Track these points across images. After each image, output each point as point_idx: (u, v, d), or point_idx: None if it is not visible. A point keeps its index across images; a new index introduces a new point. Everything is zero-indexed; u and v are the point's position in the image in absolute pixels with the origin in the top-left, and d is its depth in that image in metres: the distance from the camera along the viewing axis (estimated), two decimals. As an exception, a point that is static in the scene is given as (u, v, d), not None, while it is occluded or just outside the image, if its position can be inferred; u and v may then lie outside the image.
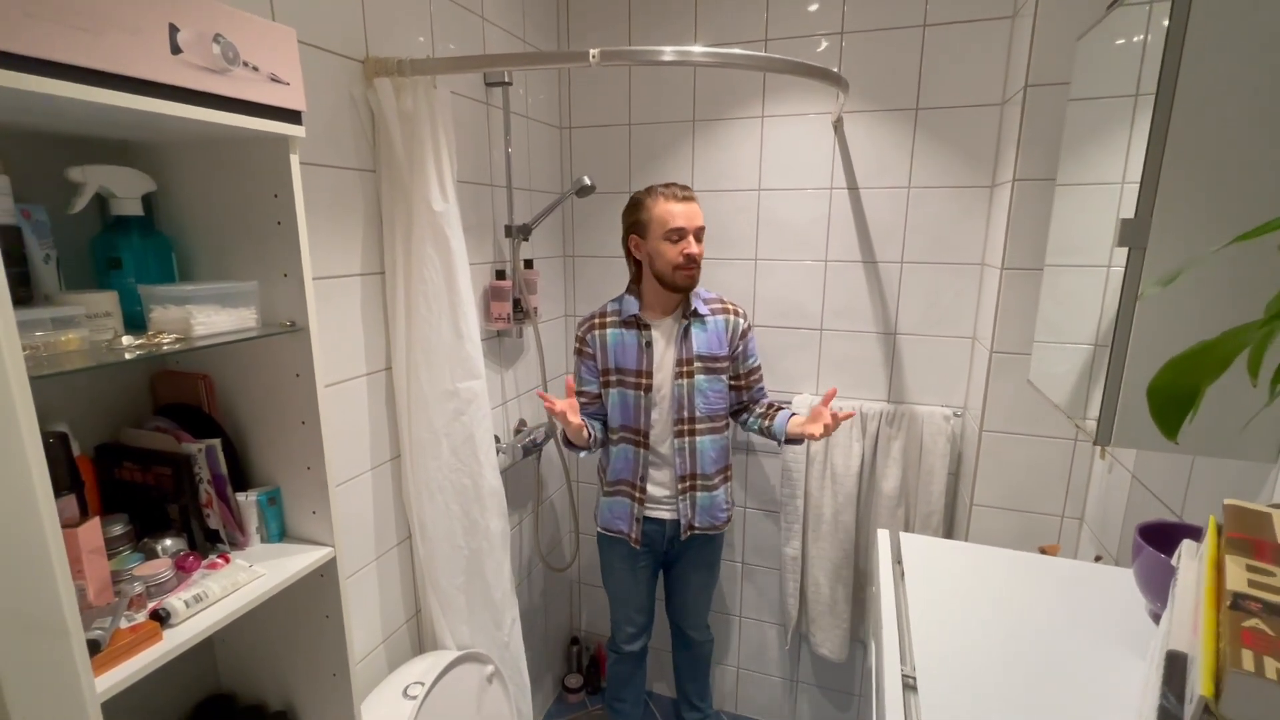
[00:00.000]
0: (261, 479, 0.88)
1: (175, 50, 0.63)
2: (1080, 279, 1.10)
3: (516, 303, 1.66)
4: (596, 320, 1.55)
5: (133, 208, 0.76)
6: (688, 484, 1.55)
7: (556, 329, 2.04)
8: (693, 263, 1.42)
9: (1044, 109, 1.36)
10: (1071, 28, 1.23)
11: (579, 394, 1.56)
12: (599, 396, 1.57)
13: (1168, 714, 0.36)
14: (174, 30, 0.62)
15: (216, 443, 0.81)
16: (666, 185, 1.46)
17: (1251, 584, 0.40)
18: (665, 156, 1.88)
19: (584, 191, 1.67)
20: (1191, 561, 0.53)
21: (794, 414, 1.55)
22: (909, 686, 0.57)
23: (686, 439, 1.52)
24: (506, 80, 1.55)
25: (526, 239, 1.67)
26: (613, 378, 1.53)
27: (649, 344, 1.51)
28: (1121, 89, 1.01)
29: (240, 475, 0.87)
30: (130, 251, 0.76)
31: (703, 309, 1.52)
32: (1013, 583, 0.75)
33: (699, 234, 1.43)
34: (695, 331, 1.51)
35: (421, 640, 1.44)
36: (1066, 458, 1.50)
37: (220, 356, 0.84)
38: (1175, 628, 0.45)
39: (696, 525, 1.56)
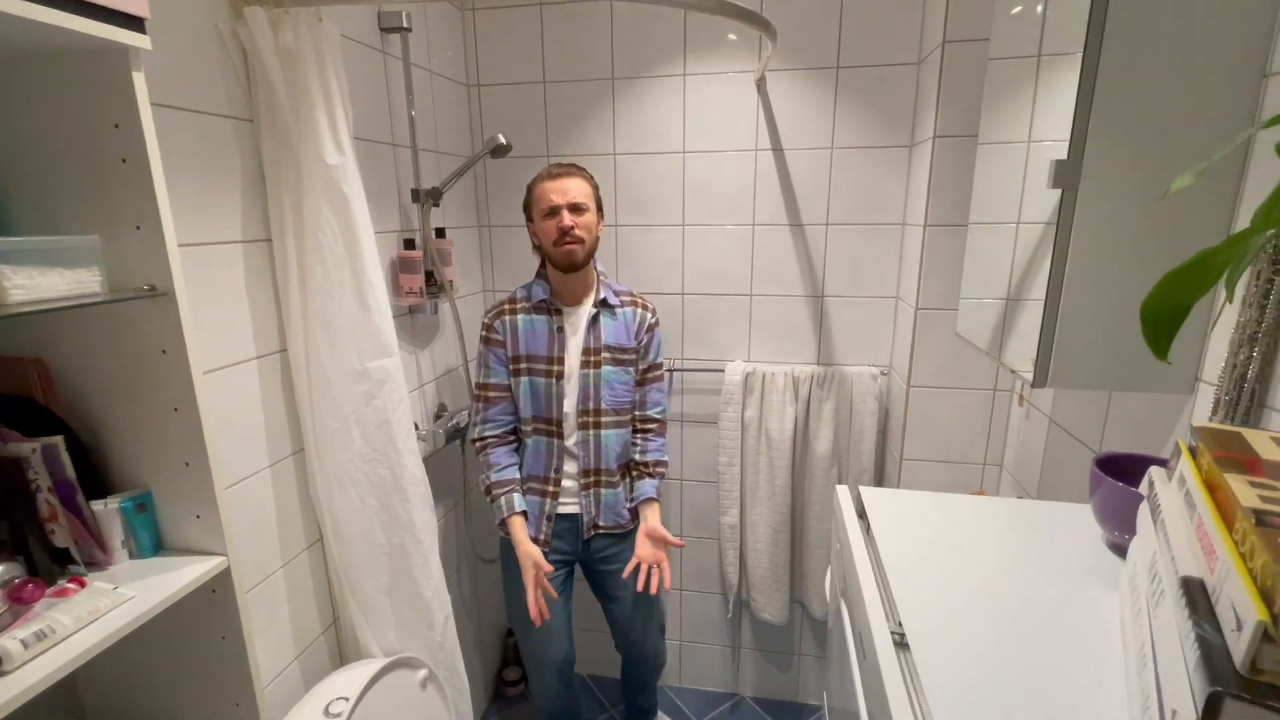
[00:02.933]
0: (126, 482, 0.72)
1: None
2: (1005, 234, 1.12)
3: (429, 276, 1.52)
4: (506, 306, 1.46)
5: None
6: (591, 479, 1.48)
7: (475, 306, 1.90)
8: (568, 236, 1.35)
9: (963, 65, 1.38)
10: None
11: (485, 386, 1.47)
12: (508, 389, 1.47)
13: (1209, 643, 0.33)
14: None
15: (58, 441, 0.65)
16: (549, 165, 1.42)
17: (1264, 499, 0.38)
18: (584, 118, 1.78)
19: (499, 151, 1.54)
20: (1168, 487, 0.52)
21: (653, 500, 1.49)
22: (900, 644, 0.53)
23: (591, 431, 1.45)
24: (404, 25, 1.39)
25: (437, 204, 1.52)
26: (523, 365, 1.44)
27: (560, 329, 1.43)
28: (1037, 48, 1.03)
29: (96, 479, 0.71)
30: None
31: (613, 299, 1.46)
32: (971, 526, 0.74)
33: (575, 207, 1.36)
34: (605, 320, 1.45)
35: (343, 651, 1.30)
36: (987, 408, 1.57)
37: (56, 332, 0.67)
38: (1177, 554, 0.43)
39: (601, 524, 1.50)
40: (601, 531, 1.51)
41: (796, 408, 1.77)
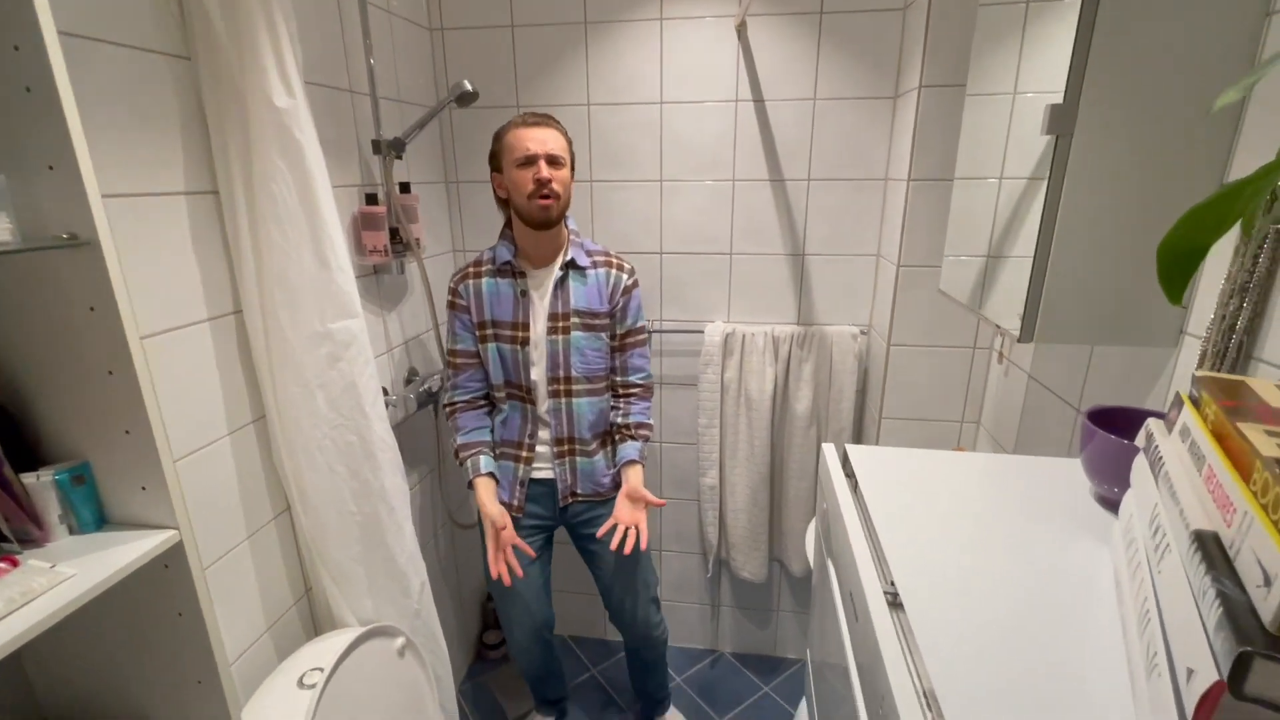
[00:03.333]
0: (61, 453, 0.67)
1: None
2: (991, 189, 1.09)
3: (394, 233, 1.44)
4: (470, 270, 1.39)
5: None
6: (565, 448, 1.44)
7: (444, 266, 1.83)
8: (545, 189, 1.26)
9: (951, 9, 1.33)
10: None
11: (454, 353, 1.42)
12: (476, 355, 1.41)
13: (1231, 600, 0.31)
14: None
15: (-24, 409, 0.59)
16: (523, 113, 1.33)
17: (1284, 449, 0.36)
18: (556, 65, 1.68)
19: (465, 99, 1.45)
20: (1169, 440, 0.50)
21: (635, 462, 1.43)
22: (894, 604, 0.51)
23: (563, 400, 1.41)
24: (358, -43, 1.28)
25: (399, 156, 1.43)
26: (489, 331, 1.38)
27: (524, 293, 1.37)
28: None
29: (25, 450, 0.65)
30: None
31: (583, 260, 1.38)
32: (958, 481, 0.73)
33: (553, 159, 1.28)
34: (573, 284, 1.38)
35: (317, 621, 1.26)
36: (966, 366, 1.56)
37: (-33, 289, 0.60)
38: (1186, 508, 0.41)
39: (579, 492, 1.46)
40: (580, 499, 1.48)
41: (776, 368, 1.75)
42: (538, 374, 1.39)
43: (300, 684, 1.06)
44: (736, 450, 1.81)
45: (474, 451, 1.40)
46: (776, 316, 1.79)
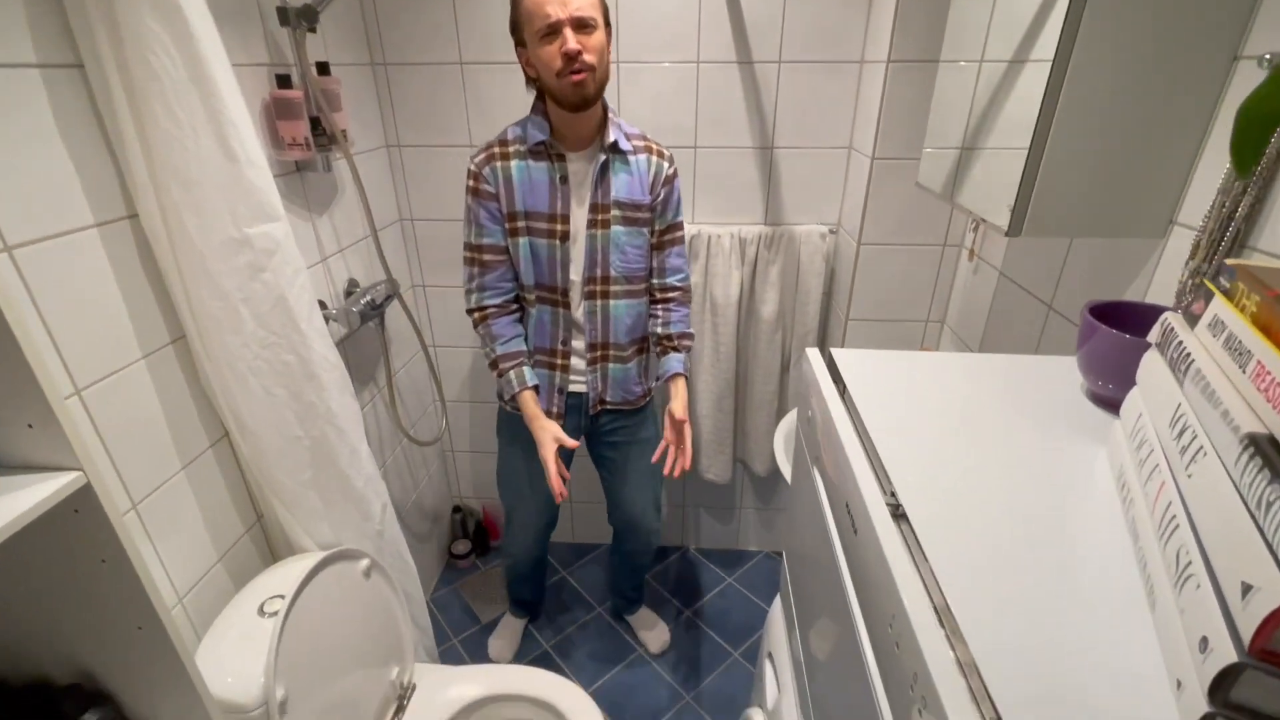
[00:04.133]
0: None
1: None
2: (981, 72, 0.99)
3: (316, 123, 1.26)
4: (496, 149, 1.20)
5: None
6: (599, 354, 1.34)
7: (379, 164, 1.64)
8: (575, 63, 1.07)
9: None
10: None
11: (478, 248, 1.24)
12: (505, 251, 1.25)
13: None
14: None
15: None
16: None
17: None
18: (492, -82, 1.44)
19: (387, -43, 1.23)
20: (1194, 334, 0.47)
21: (679, 375, 1.32)
22: (899, 515, 0.48)
23: (599, 302, 1.29)
24: None
25: (313, 29, 1.22)
26: (521, 224, 1.22)
27: (564, 179, 1.20)
28: None
29: None
30: None
31: (625, 143, 1.21)
32: (945, 382, 0.70)
33: (580, 23, 1.06)
34: (616, 171, 1.22)
35: (274, 549, 1.21)
36: (935, 265, 1.53)
37: None
38: (1231, 408, 0.37)
39: (608, 400, 1.39)
40: (609, 408, 1.41)
41: (743, 271, 1.69)
42: (575, 273, 1.26)
43: (261, 612, 1.02)
44: (701, 356, 1.78)
45: (516, 363, 1.28)
46: (744, 216, 1.70)
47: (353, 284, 1.49)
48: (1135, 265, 0.91)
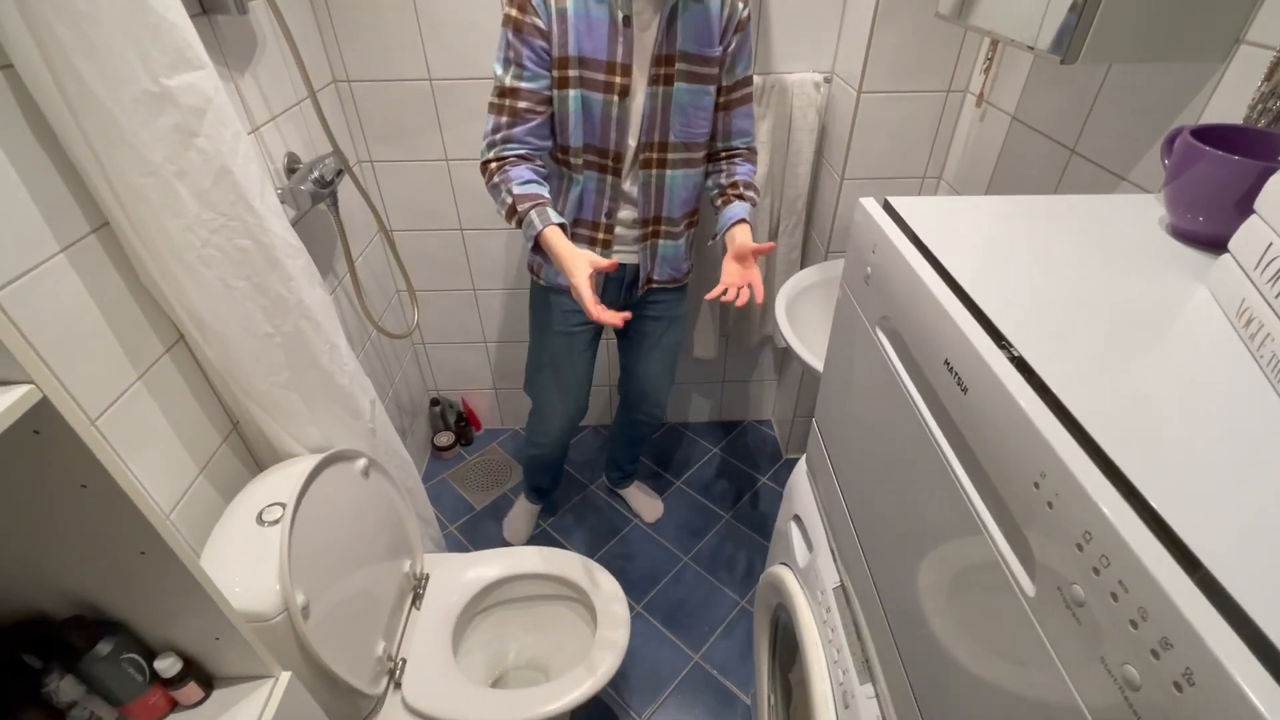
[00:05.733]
0: None
1: None
2: None
3: (219, -54, 1.00)
4: None
5: None
6: (650, 229, 1.21)
7: (300, 8, 1.36)
8: None
9: None
10: None
11: (512, 92, 1.02)
12: (548, 101, 1.05)
13: None
14: None
15: None
16: None
17: None
18: None
19: None
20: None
21: (744, 221, 1.12)
22: (1016, 362, 0.43)
23: (654, 172, 1.13)
24: None
25: None
26: (572, 73, 1.01)
27: (626, 21, 0.99)
28: None
29: None
30: None
31: None
32: (1016, 225, 0.64)
33: None
34: (685, 14, 1.01)
35: (257, 456, 1.12)
36: (936, 115, 1.43)
37: None
38: None
39: (656, 278, 1.28)
40: (655, 285, 1.30)
41: (731, 129, 1.54)
42: (633, 137, 1.10)
43: (260, 521, 0.95)
44: (687, 227, 1.67)
45: (538, 202, 1.04)
46: (730, 64, 1.52)
47: (294, 159, 1.29)
48: (1184, 95, 0.85)
